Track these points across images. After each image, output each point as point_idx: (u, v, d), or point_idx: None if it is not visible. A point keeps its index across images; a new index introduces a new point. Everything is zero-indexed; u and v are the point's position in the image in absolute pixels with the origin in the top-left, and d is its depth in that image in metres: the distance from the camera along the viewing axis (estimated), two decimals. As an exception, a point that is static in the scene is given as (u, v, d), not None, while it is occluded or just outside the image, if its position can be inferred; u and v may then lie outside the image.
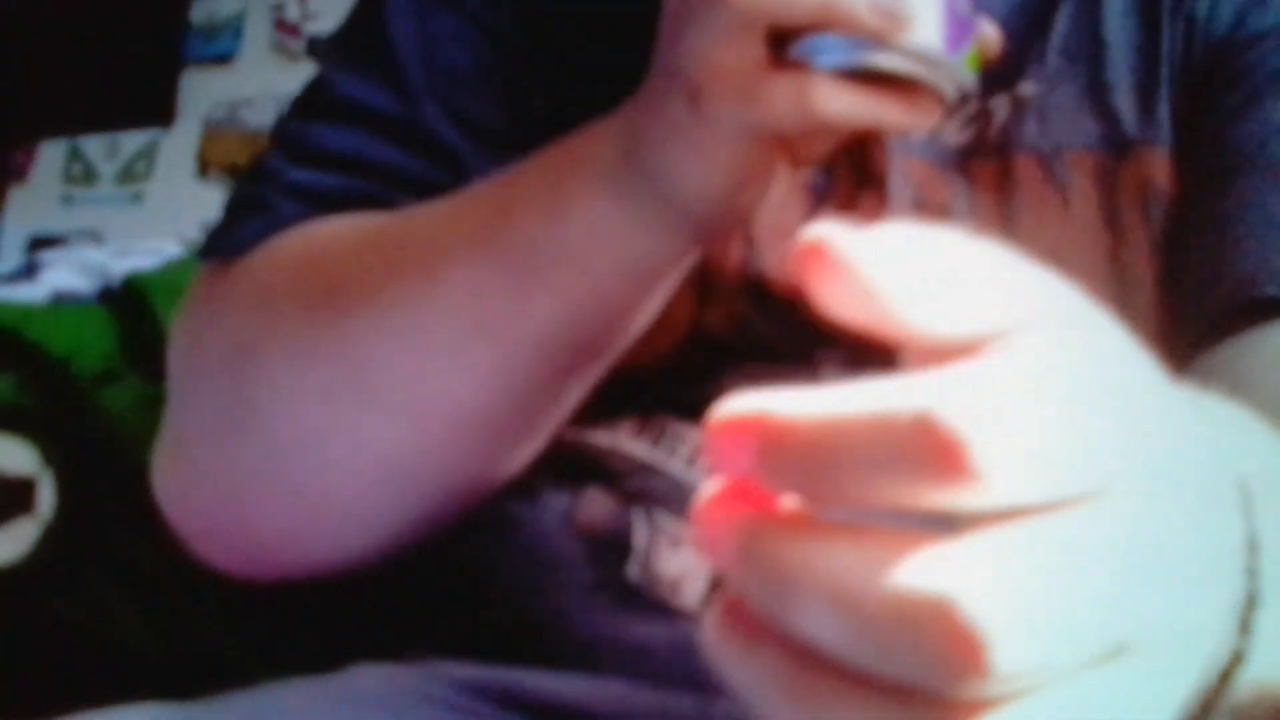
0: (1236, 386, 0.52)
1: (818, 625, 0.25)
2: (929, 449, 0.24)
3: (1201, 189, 0.60)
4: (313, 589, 0.86)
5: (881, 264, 0.26)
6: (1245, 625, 0.32)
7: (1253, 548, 0.32)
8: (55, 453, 0.88)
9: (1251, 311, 0.55)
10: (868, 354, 0.61)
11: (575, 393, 0.57)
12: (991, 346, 0.27)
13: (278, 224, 0.61)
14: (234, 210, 0.65)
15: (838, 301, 0.27)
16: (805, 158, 0.53)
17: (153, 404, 0.87)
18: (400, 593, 0.66)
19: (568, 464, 0.59)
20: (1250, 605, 0.32)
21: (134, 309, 0.91)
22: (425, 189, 0.61)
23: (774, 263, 0.61)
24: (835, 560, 0.25)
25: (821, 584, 0.25)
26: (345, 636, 0.79)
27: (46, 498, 0.87)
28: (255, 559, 0.62)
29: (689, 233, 0.52)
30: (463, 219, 0.56)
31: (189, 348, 0.63)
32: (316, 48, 0.60)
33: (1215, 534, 0.30)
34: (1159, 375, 0.31)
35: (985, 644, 0.24)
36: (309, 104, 0.68)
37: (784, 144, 0.51)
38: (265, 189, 0.64)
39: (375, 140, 0.63)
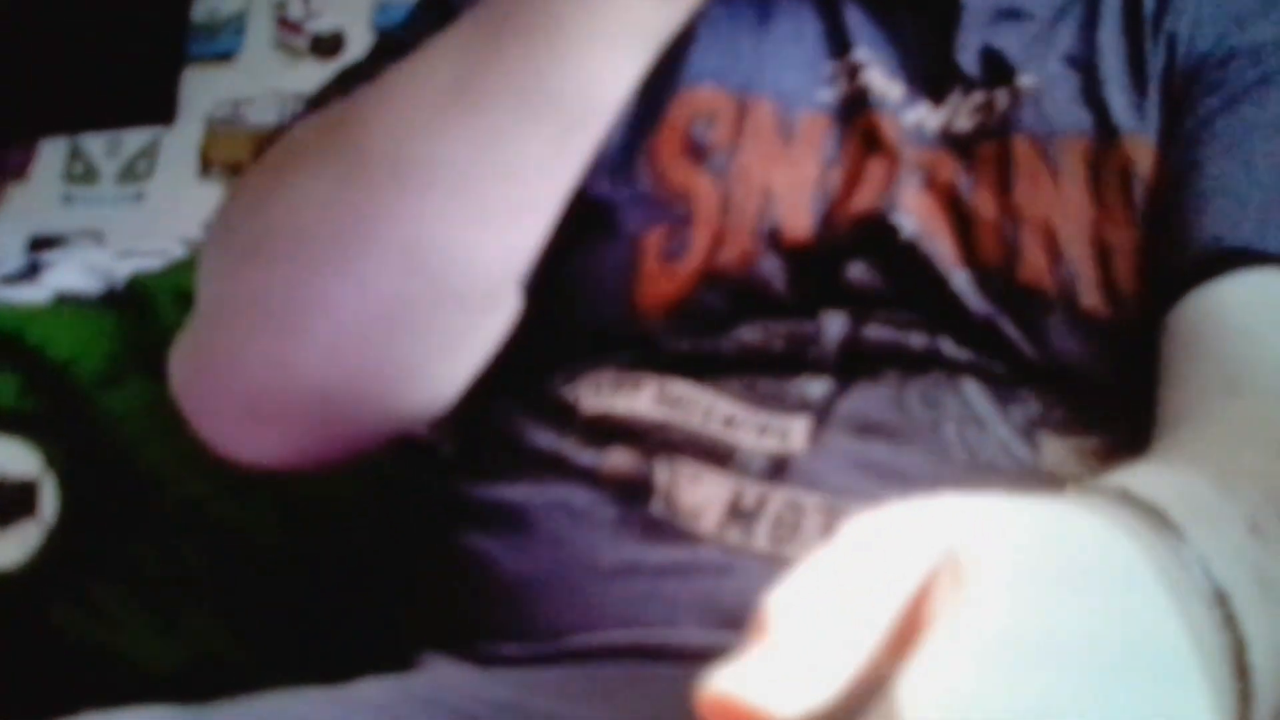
0: (1200, 334, 0.60)
1: None
2: None
3: (1181, 173, 0.65)
4: (322, 587, 0.85)
5: (787, 684, 0.29)
6: (1243, 669, 0.34)
7: (1222, 598, 0.35)
8: (58, 456, 0.87)
9: (1217, 264, 0.61)
10: (872, 310, 0.67)
11: (544, 158, 0.59)
12: (929, 630, 0.29)
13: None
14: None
15: None
16: None
17: (156, 407, 0.87)
18: (419, 566, 0.67)
19: (592, 432, 0.62)
20: (1241, 650, 0.35)
21: (138, 311, 0.91)
22: None
23: (789, 214, 0.65)
24: None
25: None
26: (354, 639, 0.79)
27: (49, 501, 0.86)
28: (256, 423, 0.63)
29: None
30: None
31: (219, 213, 0.65)
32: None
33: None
34: (1090, 552, 0.32)
35: None
36: (365, 57, 0.72)
37: None
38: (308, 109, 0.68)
39: None
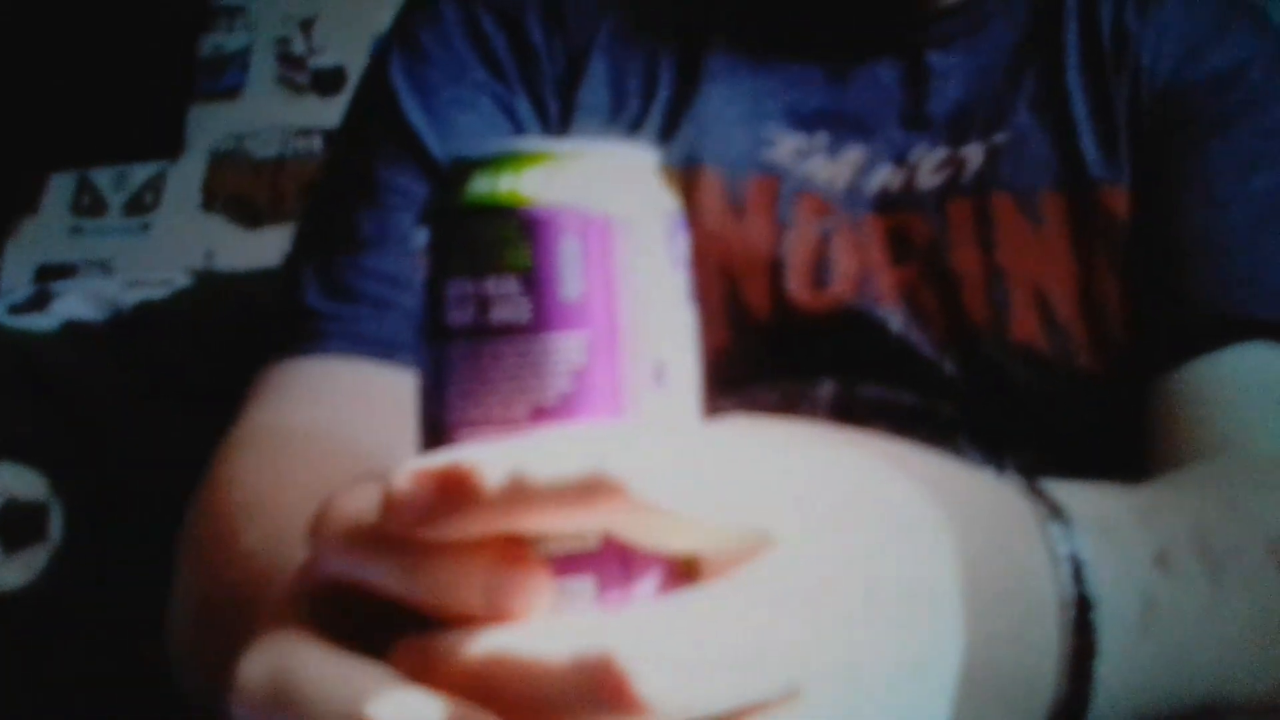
0: (1200, 408, 0.59)
1: None
2: (596, 692, 0.28)
3: (1155, 224, 0.65)
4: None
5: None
6: (1081, 673, 0.37)
7: (1084, 606, 0.37)
8: (65, 481, 0.88)
9: (1213, 334, 0.62)
10: (861, 375, 0.65)
11: None
12: (733, 564, 0.30)
13: (330, 346, 0.65)
14: (292, 298, 0.67)
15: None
16: None
17: (161, 433, 0.89)
18: None
19: None
20: (1085, 656, 0.37)
21: (143, 338, 0.92)
22: None
23: (754, 296, 0.65)
24: None
25: None
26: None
27: (56, 525, 0.88)
28: None
29: None
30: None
31: (201, 493, 0.63)
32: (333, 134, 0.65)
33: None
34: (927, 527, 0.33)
35: None
36: (344, 182, 0.71)
37: None
38: (310, 291, 0.67)
39: (403, 213, 0.67)
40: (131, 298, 0.96)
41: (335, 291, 0.66)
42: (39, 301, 0.97)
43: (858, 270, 0.66)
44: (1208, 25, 0.70)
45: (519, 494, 0.29)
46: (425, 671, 0.29)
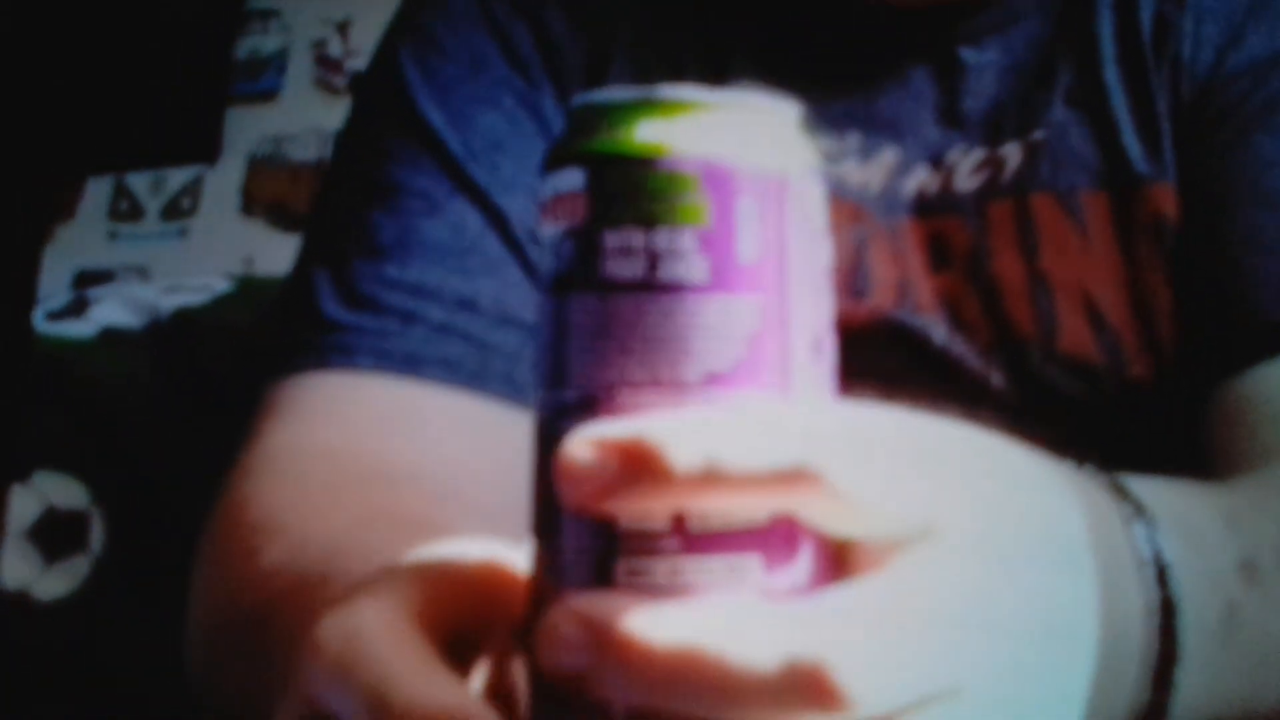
0: (1266, 414, 0.58)
1: None
2: (803, 691, 0.27)
3: (1204, 223, 0.63)
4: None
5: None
6: (1162, 680, 0.37)
7: (1168, 610, 0.37)
8: (105, 489, 0.88)
9: (1265, 339, 0.59)
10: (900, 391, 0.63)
11: None
12: (883, 558, 0.30)
13: (338, 361, 0.62)
14: (292, 314, 0.65)
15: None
16: None
17: (201, 440, 0.88)
18: None
19: None
20: (1168, 662, 0.37)
21: (183, 345, 0.92)
22: (472, 263, 0.63)
23: None
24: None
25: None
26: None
27: (97, 534, 0.88)
28: None
29: None
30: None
31: (212, 521, 0.60)
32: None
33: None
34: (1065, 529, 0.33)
35: None
36: (356, 184, 0.68)
37: None
38: (319, 297, 0.64)
39: (424, 219, 0.64)
40: (170, 304, 0.96)
41: (356, 301, 0.63)
42: (77, 308, 0.97)
43: (896, 279, 0.65)
44: (1246, 8, 0.66)
45: (711, 478, 0.28)
46: (608, 658, 0.28)
